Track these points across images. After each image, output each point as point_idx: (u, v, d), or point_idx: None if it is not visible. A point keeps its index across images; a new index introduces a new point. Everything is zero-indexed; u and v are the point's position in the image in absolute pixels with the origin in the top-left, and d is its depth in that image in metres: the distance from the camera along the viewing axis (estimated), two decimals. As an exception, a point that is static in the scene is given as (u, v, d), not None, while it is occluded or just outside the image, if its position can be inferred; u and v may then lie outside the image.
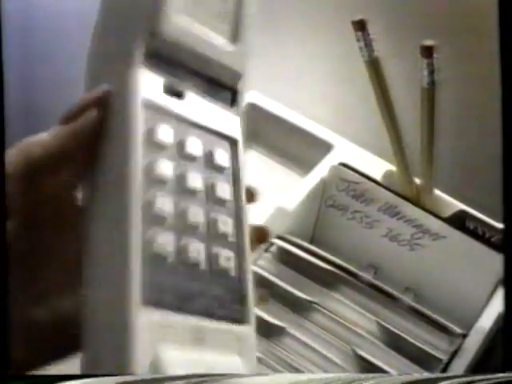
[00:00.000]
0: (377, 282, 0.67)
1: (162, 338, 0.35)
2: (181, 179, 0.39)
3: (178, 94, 0.40)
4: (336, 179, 0.70)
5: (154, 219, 0.37)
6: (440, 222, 0.67)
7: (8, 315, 0.39)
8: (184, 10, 0.39)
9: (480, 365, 0.62)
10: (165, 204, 0.37)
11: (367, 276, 0.68)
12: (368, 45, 0.62)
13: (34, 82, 0.74)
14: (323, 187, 0.70)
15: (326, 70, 0.79)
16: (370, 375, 0.61)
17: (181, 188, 0.39)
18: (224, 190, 0.40)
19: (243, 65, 0.42)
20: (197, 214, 0.39)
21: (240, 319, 0.39)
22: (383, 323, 0.65)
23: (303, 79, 0.78)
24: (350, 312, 0.66)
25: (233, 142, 0.42)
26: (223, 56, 0.41)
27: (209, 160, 0.40)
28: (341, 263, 0.67)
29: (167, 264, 0.37)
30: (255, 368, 0.39)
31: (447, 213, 0.68)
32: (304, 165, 0.75)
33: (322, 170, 0.71)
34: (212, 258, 0.39)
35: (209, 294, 0.38)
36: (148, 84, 0.38)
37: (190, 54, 0.40)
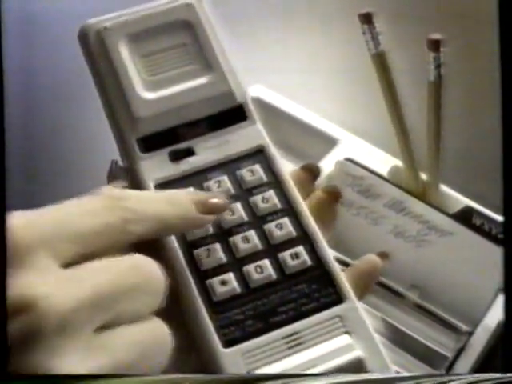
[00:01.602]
0: (382, 279, 0.66)
1: (253, 364, 0.36)
2: (220, 222, 0.39)
3: (188, 153, 0.40)
4: (341, 174, 0.69)
5: (209, 270, 0.38)
6: (447, 219, 0.67)
7: (6, 313, 0.38)
8: (145, 82, 0.40)
9: (486, 363, 0.62)
10: (213, 253, 0.38)
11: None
12: (374, 38, 0.62)
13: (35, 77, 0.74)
14: (328, 182, 0.70)
15: (331, 63, 0.79)
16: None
17: (221, 228, 0.39)
18: (270, 200, 0.40)
19: (227, 83, 0.41)
20: (248, 237, 0.39)
21: (337, 299, 0.38)
22: (388, 320, 0.64)
23: (308, 72, 0.78)
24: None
25: (258, 151, 0.41)
26: (203, 91, 0.41)
27: (239, 186, 0.40)
28: (345, 260, 0.67)
29: (237, 297, 0.38)
30: (371, 334, 0.38)
31: (454, 209, 0.68)
32: (309, 159, 0.74)
33: (327, 164, 0.71)
34: (280, 265, 0.39)
35: (291, 298, 0.38)
36: (153, 166, 0.40)
37: (175, 113, 0.40)
